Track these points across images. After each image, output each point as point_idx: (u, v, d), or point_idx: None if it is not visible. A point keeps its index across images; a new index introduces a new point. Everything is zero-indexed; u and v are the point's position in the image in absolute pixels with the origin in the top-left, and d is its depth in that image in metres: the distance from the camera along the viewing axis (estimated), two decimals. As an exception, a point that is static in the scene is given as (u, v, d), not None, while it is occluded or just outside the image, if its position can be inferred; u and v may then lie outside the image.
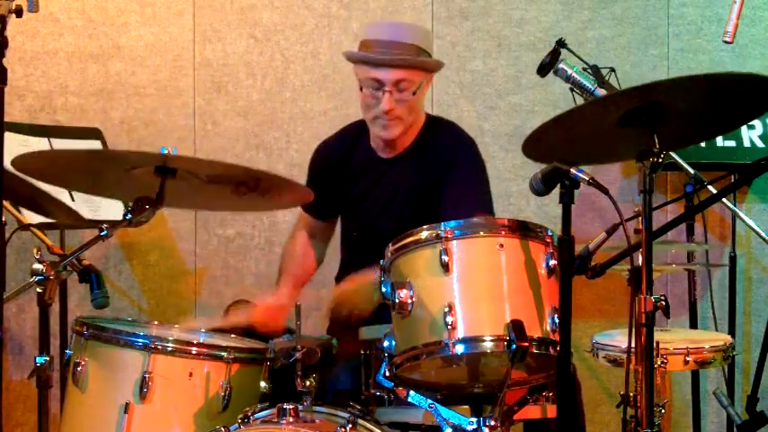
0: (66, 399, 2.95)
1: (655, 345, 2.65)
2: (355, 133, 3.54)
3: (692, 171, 3.69)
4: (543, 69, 3.73)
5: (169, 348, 2.86)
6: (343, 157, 3.54)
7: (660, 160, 2.51)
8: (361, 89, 3.33)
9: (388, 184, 3.47)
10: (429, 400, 2.70)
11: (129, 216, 2.63)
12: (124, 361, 2.87)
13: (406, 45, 3.29)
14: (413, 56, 3.29)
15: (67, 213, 3.08)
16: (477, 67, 4.36)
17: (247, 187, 2.74)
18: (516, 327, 2.53)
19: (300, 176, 3.75)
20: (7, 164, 2.53)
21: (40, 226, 3.42)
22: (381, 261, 2.73)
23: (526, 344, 2.52)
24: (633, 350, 2.54)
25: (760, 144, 4.09)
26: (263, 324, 3.30)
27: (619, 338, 3.23)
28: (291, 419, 2.67)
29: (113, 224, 2.66)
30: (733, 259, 4.16)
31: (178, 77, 4.37)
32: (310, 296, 4.17)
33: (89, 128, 4.19)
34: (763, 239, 3.73)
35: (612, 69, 3.67)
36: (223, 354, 2.88)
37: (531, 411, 2.80)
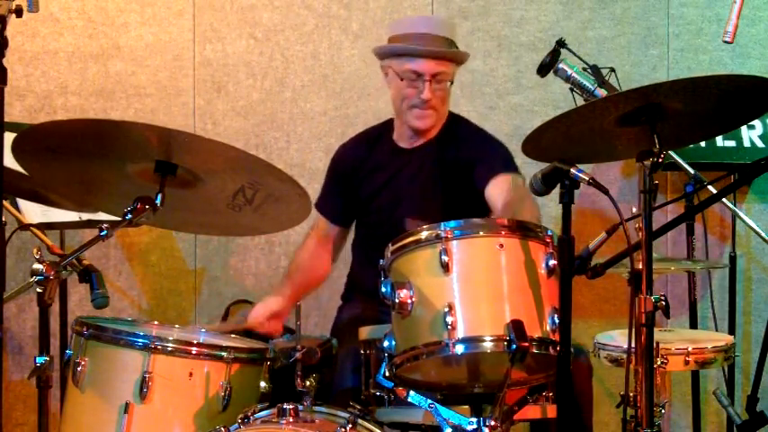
0: (66, 399, 2.95)
1: (655, 345, 2.65)
2: (376, 135, 3.57)
3: (692, 171, 3.69)
4: (543, 69, 3.73)
5: (169, 348, 2.85)
6: (363, 157, 3.57)
7: (660, 160, 2.51)
8: (401, 79, 3.37)
9: (408, 172, 3.49)
10: (429, 400, 2.69)
11: (130, 216, 2.63)
12: (124, 361, 2.86)
13: (440, 37, 3.38)
14: (447, 47, 3.38)
15: (69, 200, 3.09)
16: (477, 67, 4.36)
17: (244, 197, 2.73)
18: (516, 327, 2.53)
19: (300, 177, 3.75)
20: (7, 161, 2.54)
21: (40, 226, 3.43)
22: (381, 261, 2.73)
23: (526, 344, 2.51)
24: (633, 350, 2.55)
25: (760, 144, 4.09)
26: (259, 327, 3.36)
27: (620, 339, 3.24)
28: (291, 419, 2.67)
29: (113, 224, 2.66)
30: (733, 259, 4.16)
31: (178, 77, 4.37)
32: (310, 296, 4.18)
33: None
34: (763, 239, 3.74)
35: (612, 69, 3.67)
36: (223, 354, 2.88)
37: (531, 411, 2.80)
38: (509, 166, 3.40)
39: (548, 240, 2.69)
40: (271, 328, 3.38)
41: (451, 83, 3.42)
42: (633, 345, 2.54)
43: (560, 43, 3.74)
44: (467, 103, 4.33)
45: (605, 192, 2.57)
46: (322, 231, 3.64)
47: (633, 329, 2.53)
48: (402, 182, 3.49)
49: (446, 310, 2.57)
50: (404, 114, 3.44)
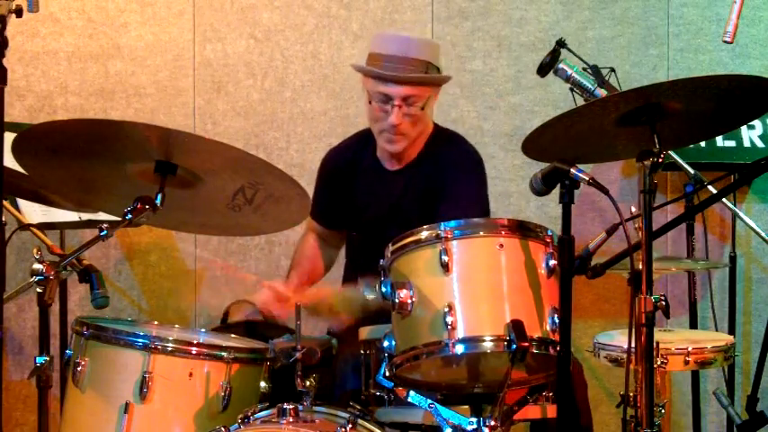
0: (66, 399, 2.95)
1: (655, 345, 2.65)
2: (362, 141, 3.56)
3: (692, 171, 3.69)
4: (543, 69, 3.73)
5: (169, 348, 2.85)
6: (350, 164, 3.56)
7: (660, 160, 2.51)
8: (369, 102, 3.36)
9: (393, 195, 3.48)
10: (429, 400, 2.69)
11: (130, 216, 2.63)
12: (124, 361, 2.86)
13: (416, 60, 3.32)
14: (421, 72, 3.32)
15: (69, 200, 3.09)
16: (477, 67, 4.36)
17: (244, 197, 2.74)
18: (516, 327, 2.53)
19: (300, 177, 3.74)
20: (7, 161, 2.54)
21: (40, 226, 3.43)
22: (381, 261, 2.73)
23: (526, 344, 2.51)
24: (633, 350, 2.55)
25: (760, 144, 4.09)
26: (266, 306, 3.34)
27: (620, 338, 3.24)
28: (291, 419, 2.67)
29: (113, 224, 2.66)
30: (733, 259, 4.16)
31: (178, 77, 4.37)
32: (311, 297, 4.18)
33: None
34: (763, 239, 3.74)
35: (612, 69, 3.67)
36: (223, 354, 2.88)
37: (531, 411, 2.80)
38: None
39: (548, 240, 2.69)
40: (280, 310, 3.33)
41: (423, 106, 3.33)
42: (633, 345, 2.54)
43: (560, 43, 3.74)
44: (467, 103, 4.33)
45: (605, 192, 2.57)
46: (317, 233, 3.64)
47: (633, 329, 2.53)
48: (388, 204, 3.47)
49: (446, 310, 2.58)
50: (377, 136, 3.42)
